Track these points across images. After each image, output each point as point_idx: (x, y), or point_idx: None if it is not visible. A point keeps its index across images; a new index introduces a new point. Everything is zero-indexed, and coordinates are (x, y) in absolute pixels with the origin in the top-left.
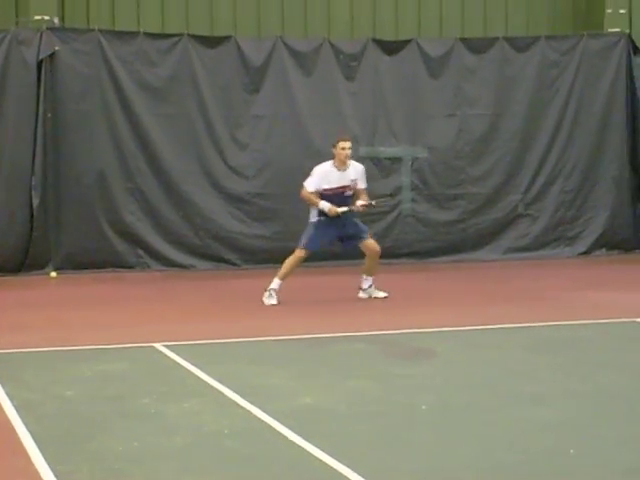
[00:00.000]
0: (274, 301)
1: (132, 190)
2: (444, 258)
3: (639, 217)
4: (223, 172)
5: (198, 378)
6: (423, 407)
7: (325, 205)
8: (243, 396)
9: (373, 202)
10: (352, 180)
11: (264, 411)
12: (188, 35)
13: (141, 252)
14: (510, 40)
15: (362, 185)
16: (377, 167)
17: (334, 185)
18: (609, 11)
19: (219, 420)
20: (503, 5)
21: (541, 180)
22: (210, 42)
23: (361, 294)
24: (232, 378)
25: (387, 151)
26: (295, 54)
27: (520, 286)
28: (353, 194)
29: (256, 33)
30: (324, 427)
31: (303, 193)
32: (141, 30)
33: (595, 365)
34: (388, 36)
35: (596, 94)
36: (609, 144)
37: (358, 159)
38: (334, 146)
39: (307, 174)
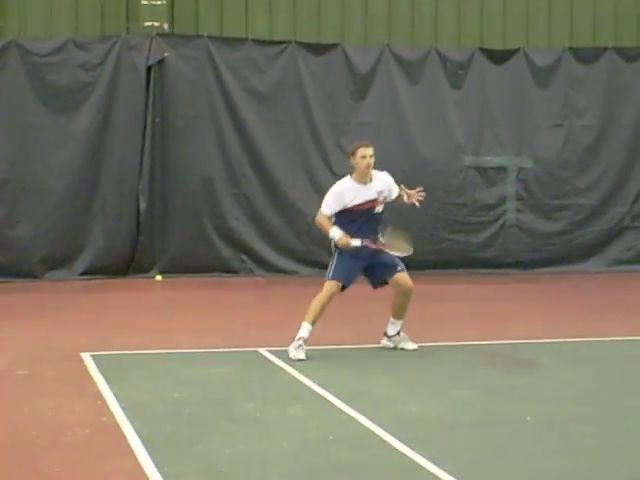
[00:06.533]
0: (302, 355)
1: (237, 196)
2: (548, 269)
3: None
4: (328, 179)
5: (302, 384)
6: (528, 418)
7: (336, 233)
8: (347, 402)
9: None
10: (379, 192)
11: (368, 418)
12: (295, 42)
13: (245, 257)
14: (619, 50)
15: (394, 195)
16: (482, 177)
17: (357, 202)
18: None
19: (324, 426)
20: (612, 15)
21: None
22: (317, 49)
23: (384, 341)
24: (336, 384)
25: (492, 161)
26: (401, 62)
27: (626, 299)
28: (382, 213)
29: (363, 41)
30: (430, 436)
31: (318, 218)
32: (249, 37)
33: None
34: (495, 45)
35: None
36: None
37: (463, 168)
38: (352, 155)
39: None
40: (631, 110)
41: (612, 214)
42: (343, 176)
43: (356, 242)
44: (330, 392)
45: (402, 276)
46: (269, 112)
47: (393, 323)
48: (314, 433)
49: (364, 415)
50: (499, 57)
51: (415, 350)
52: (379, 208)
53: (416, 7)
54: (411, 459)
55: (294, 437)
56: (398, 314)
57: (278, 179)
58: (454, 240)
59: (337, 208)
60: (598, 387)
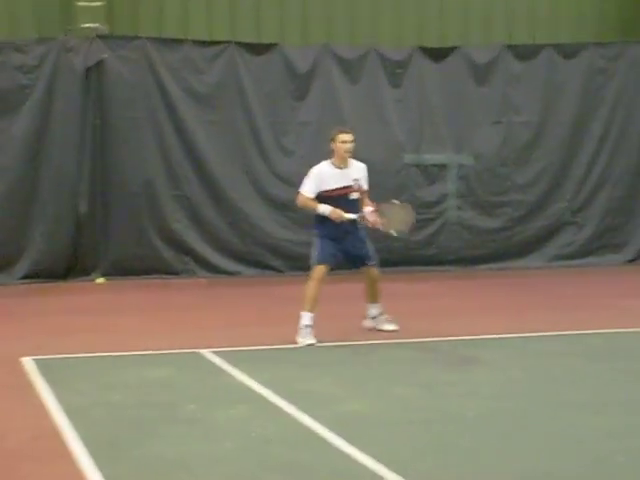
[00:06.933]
0: (311, 340)
1: (178, 197)
2: (489, 265)
3: None
4: (269, 179)
5: (244, 384)
6: (469, 414)
7: (326, 208)
8: (289, 402)
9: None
10: (355, 180)
11: (311, 417)
12: (235, 43)
13: (187, 259)
14: (557, 47)
15: (365, 186)
16: (423, 174)
17: (334, 186)
18: None
19: (266, 426)
20: (549, 12)
21: (588, 187)
22: (256, 49)
23: (368, 323)
24: (278, 384)
25: (433, 158)
26: (341, 61)
27: (566, 294)
28: (358, 199)
29: (302, 41)
30: (371, 434)
31: (299, 200)
32: (188, 38)
33: None
34: (434, 43)
35: None
36: None
37: (404, 166)
38: (332, 140)
39: None
40: (569, 106)
41: (552, 210)
42: (285, 177)
43: (349, 215)
44: (273, 392)
45: (372, 270)
46: (209, 113)
47: (373, 306)
48: (256, 433)
49: (306, 414)
50: (438, 55)
51: (395, 331)
52: (354, 195)
53: (354, 7)
54: (353, 458)
55: (236, 438)
56: (372, 299)
57: (219, 180)
58: (395, 238)
59: (315, 189)
60: (539, 383)
